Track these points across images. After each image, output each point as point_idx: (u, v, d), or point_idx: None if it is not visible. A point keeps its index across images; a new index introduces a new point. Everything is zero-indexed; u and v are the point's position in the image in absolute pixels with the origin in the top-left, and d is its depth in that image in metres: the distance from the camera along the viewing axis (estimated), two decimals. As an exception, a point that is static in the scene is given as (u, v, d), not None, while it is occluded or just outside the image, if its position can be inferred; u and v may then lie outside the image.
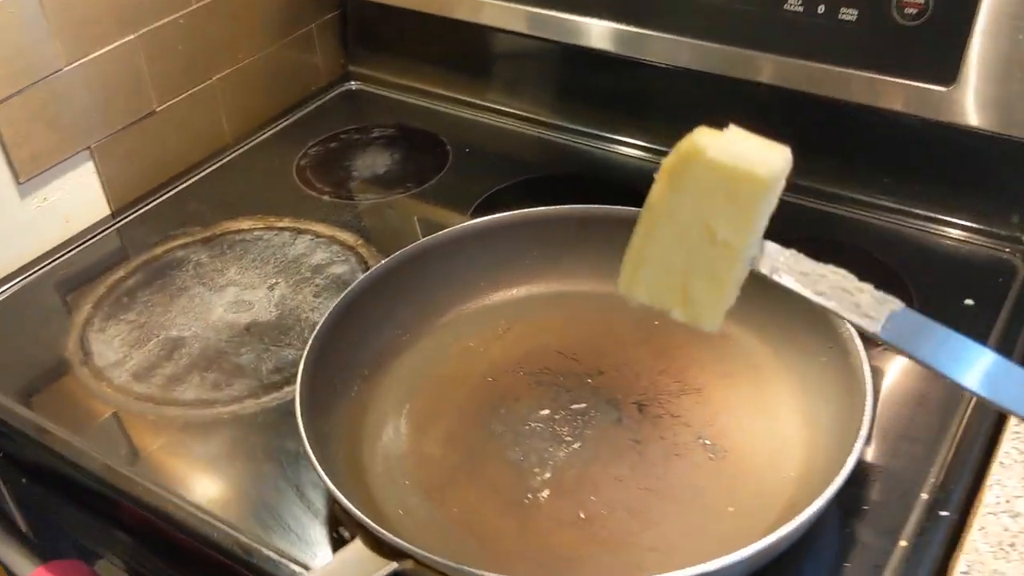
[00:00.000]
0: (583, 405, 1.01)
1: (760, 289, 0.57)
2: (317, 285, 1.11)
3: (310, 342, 0.90)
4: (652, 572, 0.65)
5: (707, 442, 0.96)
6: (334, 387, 0.92)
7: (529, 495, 0.90)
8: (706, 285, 0.50)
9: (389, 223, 1.26)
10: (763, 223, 0.50)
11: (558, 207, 1.06)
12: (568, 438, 0.97)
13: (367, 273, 1.01)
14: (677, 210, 0.49)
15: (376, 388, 1.00)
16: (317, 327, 0.92)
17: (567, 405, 1.01)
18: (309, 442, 0.79)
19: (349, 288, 0.97)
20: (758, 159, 0.47)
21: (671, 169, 0.48)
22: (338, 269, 1.14)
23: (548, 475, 0.93)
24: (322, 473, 0.76)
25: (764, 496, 0.88)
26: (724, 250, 0.48)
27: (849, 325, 0.64)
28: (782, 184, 0.49)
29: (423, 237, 1.04)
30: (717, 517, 0.88)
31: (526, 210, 1.07)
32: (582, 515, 0.89)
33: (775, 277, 0.51)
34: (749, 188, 0.47)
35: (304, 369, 0.87)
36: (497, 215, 1.07)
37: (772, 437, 0.95)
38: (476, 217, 1.11)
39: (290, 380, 0.96)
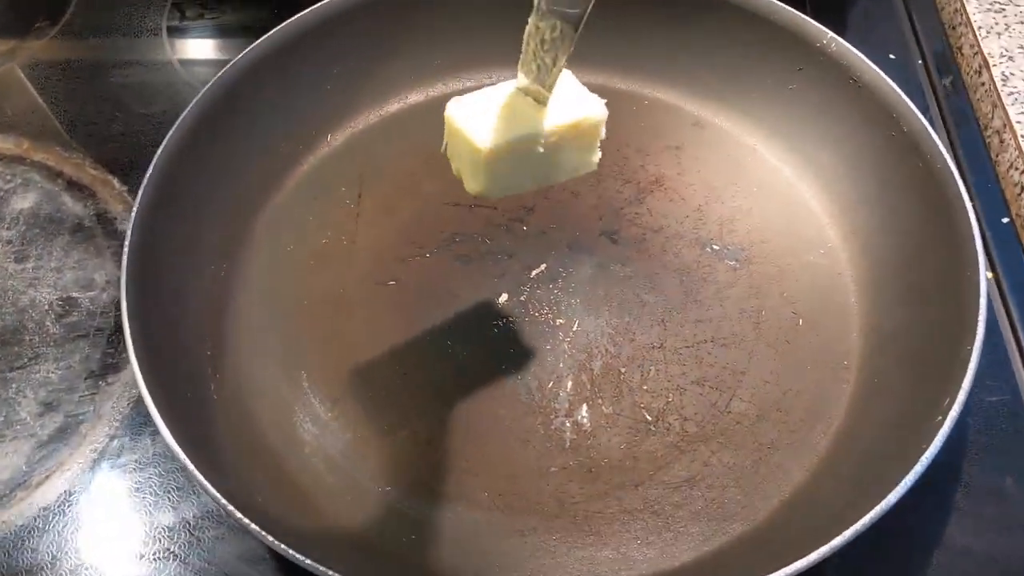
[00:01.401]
0: (543, 267, 0.72)
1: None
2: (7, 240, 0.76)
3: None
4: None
5: (715, 247, 0.71)
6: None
7: (564, 428, 0.65)
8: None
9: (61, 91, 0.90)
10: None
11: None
12: (559, 321, 0.68)
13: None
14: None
15: (245, 362, 0.69)
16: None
17: (522, 275, 0.71)
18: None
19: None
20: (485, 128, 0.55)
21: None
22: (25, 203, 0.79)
23: (569, 389, 0.66)
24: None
25: (821, 288, 0.71)
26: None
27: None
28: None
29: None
30: (795, 334, 0.69)
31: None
32: (648, 417, 0.63)
33: None
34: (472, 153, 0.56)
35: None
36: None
37: (781, 209, 0.77)
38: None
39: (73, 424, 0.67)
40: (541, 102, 0.56)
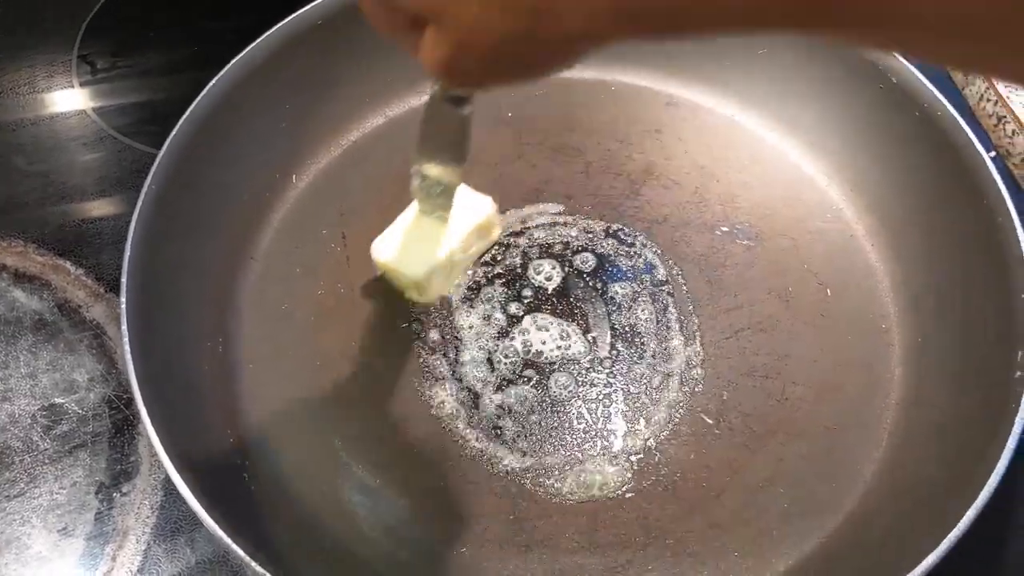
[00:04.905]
0: (558, 280, 0.69)
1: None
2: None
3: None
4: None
5: (724, 229, 0.70)
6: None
7: (627, 448, 0.63)
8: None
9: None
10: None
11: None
12: (591, 336, 0.66)
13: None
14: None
15: (272, 441, 0.63)
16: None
17: (539, 292, 0.70)
18: None
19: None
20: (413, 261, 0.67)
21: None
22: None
23: (622, 405, 0.65)
24: None
25: (839, 254, 0.70)
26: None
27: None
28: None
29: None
30: (827, 306, 0.68)
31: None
32: (709, 420, 0.61)
33: None
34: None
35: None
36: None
37: (777, 177, 0.75)
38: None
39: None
40: (442, 221, 0.66)
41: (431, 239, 0.67)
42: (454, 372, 0.65)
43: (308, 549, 0.58)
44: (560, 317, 0.67)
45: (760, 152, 0.75)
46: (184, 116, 0.67)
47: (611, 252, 0.70)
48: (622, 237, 0.71)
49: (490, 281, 0.69)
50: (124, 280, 0.59)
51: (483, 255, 0.71)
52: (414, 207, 0.67)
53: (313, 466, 0.61)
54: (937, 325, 0.64)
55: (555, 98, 0.79)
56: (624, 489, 0.60)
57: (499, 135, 0.77)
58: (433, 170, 0.60)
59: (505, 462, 0.61)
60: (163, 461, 0.53)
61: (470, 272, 0.69)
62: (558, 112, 0.78)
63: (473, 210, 0.68)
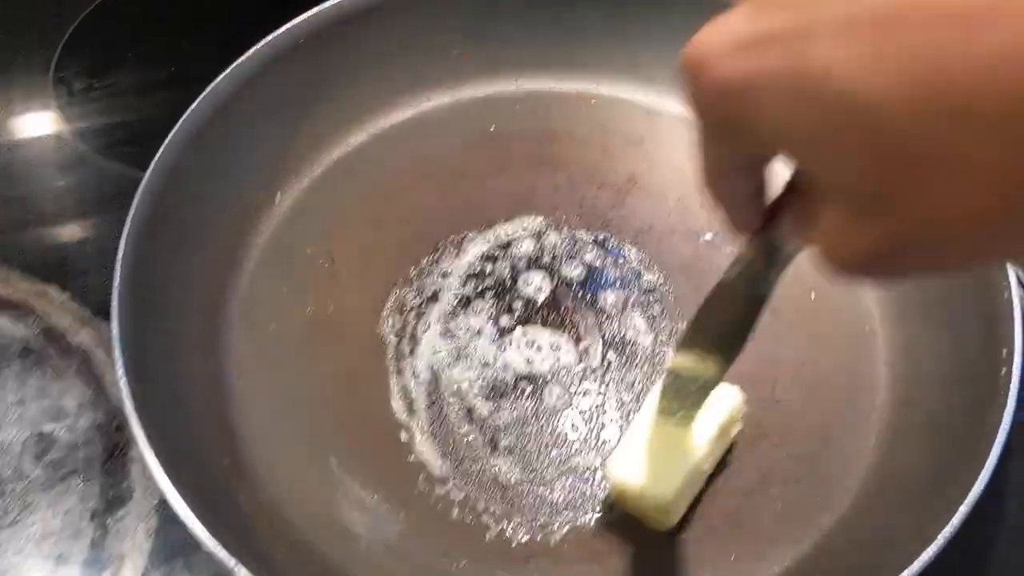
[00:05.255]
0: (547, 291, 0.69)
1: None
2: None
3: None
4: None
5: (707, 237, 0.72)
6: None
7: None
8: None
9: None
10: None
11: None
12: (583, 345, 0.66)
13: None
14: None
15: (266, 462, 0.63)
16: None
17: (529, 304, 0.69)
18: None
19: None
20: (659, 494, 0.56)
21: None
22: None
23: (614, 411, 0.65)
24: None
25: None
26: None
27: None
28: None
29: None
30: (812, 309, 0.69)
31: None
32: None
33: None
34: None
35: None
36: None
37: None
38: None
39: None
40: (688, 422, 0.56)
41: (676, 448, 0.56)
42: (447, 387, 0.65)
43: (307, 570, 0.58)
44: (551, 328, 0.67)
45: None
46: (169, 136, 0.66)
47: (599, 262, 0.71)
48: (609, 247, 0.72)
49: (480, 294, 0.69)
50: (115, 303, 0.58)
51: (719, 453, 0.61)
52: (649, 409, 0.58)
53: (309, 487, 0.61)
54: (923, 325, 0.65)
55: (536, 111, 0.79)
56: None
57: (484, 149, 0.77)
58: (697, 364, 0.50)
59: (502, 473, 0.61)
60: (161, 486, 0.52)
61: (459, 289, 0.69)
62: (540, 125, 0.78)
63: (717, 404, 0.58)
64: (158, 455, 0.53)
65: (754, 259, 0.42)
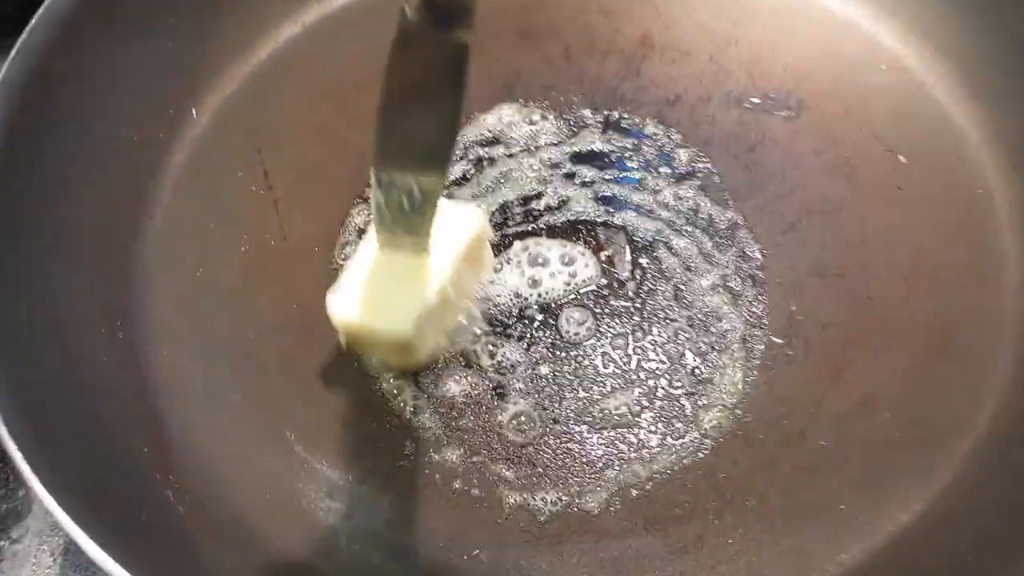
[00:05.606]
0: (555, 196, 0.52)
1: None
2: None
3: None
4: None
5: (755, 100, 0.55)
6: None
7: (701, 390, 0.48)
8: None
9: None
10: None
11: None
12: (619, 267, 0.51)
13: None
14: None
15: (205, 448, 0.47)
16: None
17: (533, 213, 0.52)
18: None
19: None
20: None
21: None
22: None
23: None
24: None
25: (908, 110, 0.55)
26: None
27: None
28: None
29: None
30: (905, 177, 0.53)
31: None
32: (778, 339, 0.46)
33: None
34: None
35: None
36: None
37: (810, 28, 0.59)
38: None
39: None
40: (420, 251, 0.46)
41: (410, 279, 0.47)
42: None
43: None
44: (561, 239, 0.52)
45: (782, 2, 0.59)
46: (37, 15, 0.50)
47: (615, 148, 0.55)
48: (626, 127, 0.55)
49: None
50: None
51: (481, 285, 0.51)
52: (371, 240, 0.47)
53: (263, 470, 0.46)
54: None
55: (515, -28, 0.63)
56: (680, 446, 0.45)
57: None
58: (406, 176, 0.42)
59: (515, 428, 0.46)
60: (36, 491, 0.37)
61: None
62: (522, -11, 0.62)
63: (457, 227, 0.48)
64: (31, 454, 0.38)
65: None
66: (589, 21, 0.60)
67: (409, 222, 0.44)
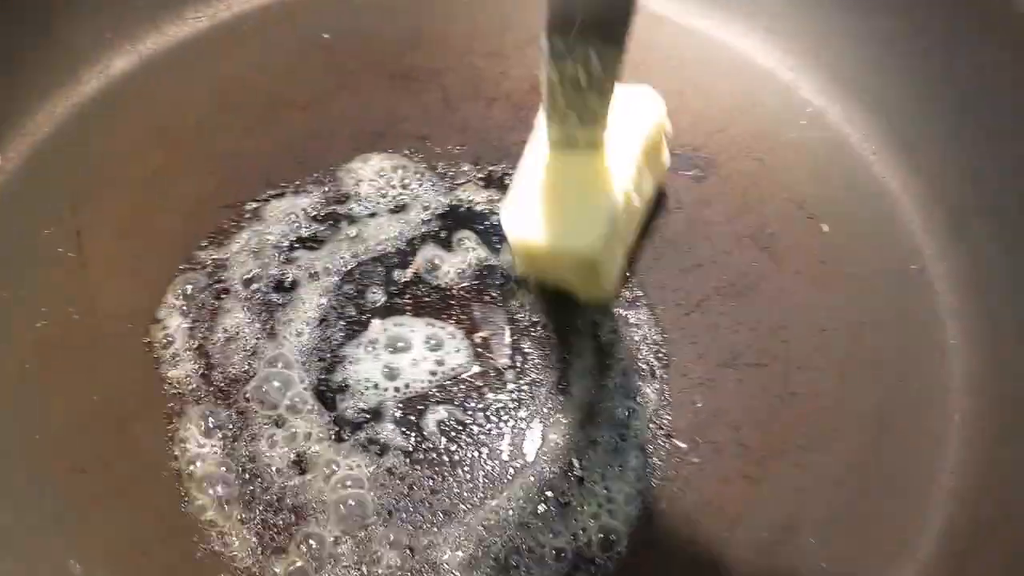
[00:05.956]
0: (419, 263, 0.44)
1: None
2: None
3: None
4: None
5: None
6: None
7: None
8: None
9: None
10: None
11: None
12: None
13: None
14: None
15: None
16: None
17: (390, 285, 0.44)
18: None
19: None
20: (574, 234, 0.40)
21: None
22: None
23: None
24: None
25: (831, 169, 0.49)
26: None
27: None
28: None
29: None
30: (824, 246, 0.46)
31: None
32: (682, 444, 0.38)
33: None
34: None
35: None
36: None
37: (725, 77, 0.53)
38: None
39: None
40: (596, 146, 0.40)
41: (589, 184, 0.40)
42: (252, 431, 0.40)
43: None
44: (428, 316, 0.43)
45: (694, 49, 0.52)
46: None
47: (495, 209, 0.46)
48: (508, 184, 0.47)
49: (312, 275, 0.44)
50: None
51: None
52: (538, 139, 0.41)
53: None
54: (997, 250, 0.42)
55: (391, 6, 0.55)
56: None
57: (313, 66, 0.52)
58: (585, 43, 0.35)
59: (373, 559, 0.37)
60: None
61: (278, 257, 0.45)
62: (398, 25, 0.54)
63: (632, 116, 0.42)
64: None
65: None
66: (475, 65, 0.52)
67: (585, 104, 0.38)
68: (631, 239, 0.43)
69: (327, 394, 0.41)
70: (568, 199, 0.40)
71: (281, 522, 0.37)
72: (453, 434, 0.40)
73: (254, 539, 0.37)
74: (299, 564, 0.36)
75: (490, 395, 0.41)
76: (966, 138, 0.44)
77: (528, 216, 0.40)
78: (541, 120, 0.40)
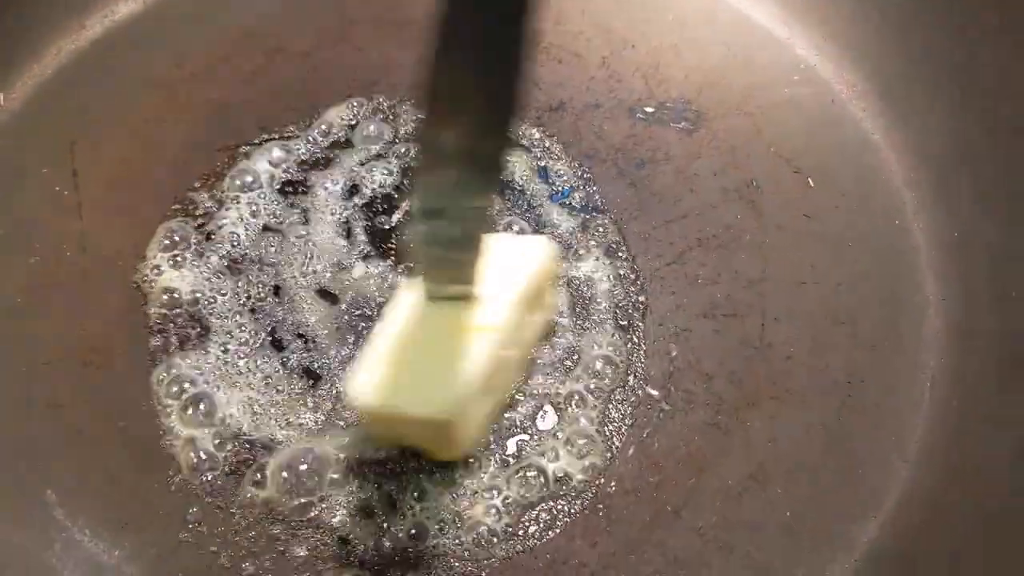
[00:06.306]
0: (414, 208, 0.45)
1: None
2: None
3: None
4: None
5: (648, 110, 0.49)
6: None
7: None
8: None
9: None
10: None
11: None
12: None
13: None
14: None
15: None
16: None
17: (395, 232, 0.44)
18: None
19: None
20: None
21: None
22: None
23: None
24: None
25: (819, 126, 0.48)
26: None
27: None
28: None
29: None
30: (809, 200, 0.45)
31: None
32: (654, 392, 0.38)
33: None
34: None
35: None
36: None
37: (719, 33, 0.52)
38: None
39: None
40: (468, 298, 0.37)
41: (452, 343, 0.36)
42: (232, 370, 0.41)
43: None
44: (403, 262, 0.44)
45: (692, 3, 0.52)
46: None
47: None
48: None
49: (303, 218, 0.45)
50: None
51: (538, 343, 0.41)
52: (400, 303, 0.37)
53: (12, 541, 0.37)
54: (975, 211, 0.42)
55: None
56: (527, 522, 0.37)
57: (314, 10, 0.52)
58: (450, 199, 0.33)
59: (328, 505, 0.38)
60: None
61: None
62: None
63: (520, 260, 0.38)
64: None
65: None
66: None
67: (454, 260, 0.36)
68: (504, 391, 0.39)
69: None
70: (426, 358, 0.36)
71: (253, 457, 0.39)
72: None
73: (227, 470, 0.38)
74: (271, 495, 0.38)
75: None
76: (952, 98, 0.44)
77: (378, 380, 0.36)
78: (404, 282, 0.39)
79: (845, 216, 0.44)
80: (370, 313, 0.41)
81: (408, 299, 0.37)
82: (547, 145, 0.47)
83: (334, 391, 0.40)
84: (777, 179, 0.45)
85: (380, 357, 0.36)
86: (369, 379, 0.36)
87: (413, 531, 0.36)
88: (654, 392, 0.39)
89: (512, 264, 0.38)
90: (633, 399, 0.39)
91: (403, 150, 0.46)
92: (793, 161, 0.46)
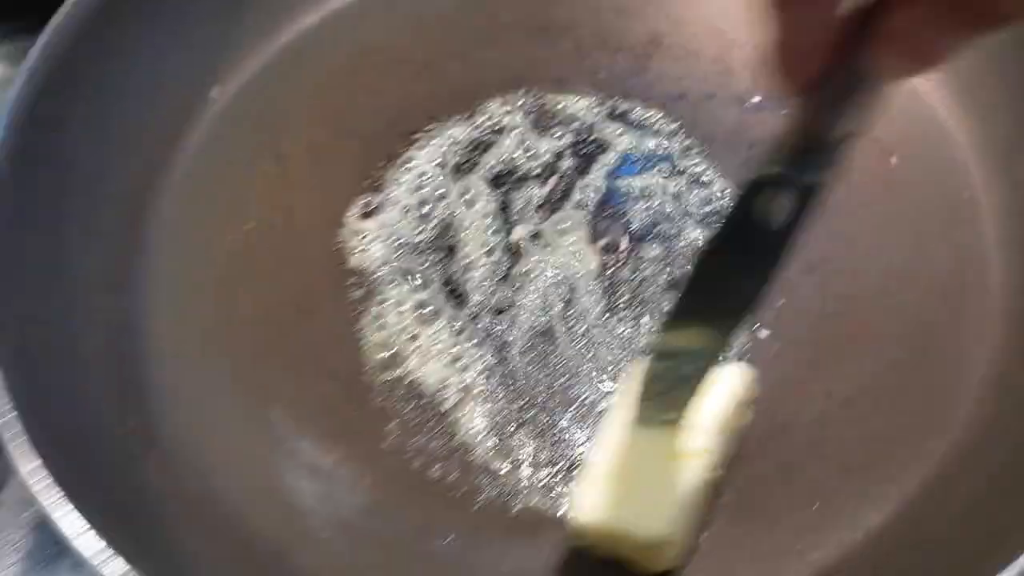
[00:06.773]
0: (560, 184, 0.53)
1: None
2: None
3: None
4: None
5: (755, 100, 0.56)
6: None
7: None
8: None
9: None
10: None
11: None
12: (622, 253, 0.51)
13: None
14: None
15: (186, 420, 0.48)
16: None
17: (531, 205, 0.53)
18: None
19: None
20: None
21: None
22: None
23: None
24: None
25: (899, 113, 0.54)
26: None
27: None
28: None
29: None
30: (896, 177, 0.53)
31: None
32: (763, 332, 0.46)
33: None
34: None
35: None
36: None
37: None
38: None
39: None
40: (675, 427, 0.41)
41: (663, 466, 0.41)
42: (427, 313, 0.50)
43: (237, 562, 0.43)
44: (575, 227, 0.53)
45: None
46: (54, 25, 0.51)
47: (619, 137, 0.55)
48: (632, 119, 0.56)
49: (467, 198, 0.54)
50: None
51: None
52: (613, 424, 0.43)
53: (242, 447, 0.47)
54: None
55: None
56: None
57: (465, 20, 0.61)
58: (690, 339, 0.38)
59: (500, 416, 0.47)
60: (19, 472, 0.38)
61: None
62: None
63: (716, 392, 0.43)
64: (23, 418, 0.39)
65: (795, 145, 0.33)
66: (603, 19, 0.60)
67: (676, 394, 0.40)
68: (701, 508, 0.43)
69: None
70: (642, 482, 0.41)
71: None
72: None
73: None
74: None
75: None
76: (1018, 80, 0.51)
77: (599, 498, 0.41)
78: (617, 400, 0.44)
79: (921, 187, 0.52)
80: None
81: (620, 419, 0.42)
82: (671, 129, 0.56)
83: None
84: (864, 156, 0.52)
85: (601, 469, 0.42)
86: (593, 494, 0.41)
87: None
88: (765, 333, 0.48)
89: (714, 391, 0.42)
90: (747, 339, 0.48)
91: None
92: (881, 140, 0.53)
